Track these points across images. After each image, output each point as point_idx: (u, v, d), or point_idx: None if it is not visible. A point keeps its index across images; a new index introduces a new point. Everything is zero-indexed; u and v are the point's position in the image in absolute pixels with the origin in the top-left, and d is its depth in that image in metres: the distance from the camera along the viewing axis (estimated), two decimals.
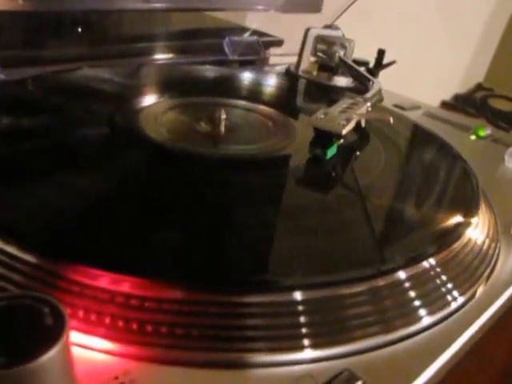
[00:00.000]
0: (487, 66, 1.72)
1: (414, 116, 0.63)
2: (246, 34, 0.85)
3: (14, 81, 0.51)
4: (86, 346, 0.24)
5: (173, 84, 0.58)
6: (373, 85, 0.54)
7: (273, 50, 0.88)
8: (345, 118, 0.42)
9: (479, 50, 1.63)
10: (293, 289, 0.27)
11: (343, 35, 0.70)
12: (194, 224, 0.33)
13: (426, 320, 0.29)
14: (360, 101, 0.48)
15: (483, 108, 1.54)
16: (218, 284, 0.26)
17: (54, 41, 0.68)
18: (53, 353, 0.20)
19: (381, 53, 0.65)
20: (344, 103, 0.46)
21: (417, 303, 0.30)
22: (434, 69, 1.41)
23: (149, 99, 0.51)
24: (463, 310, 0.31)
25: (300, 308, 0.27)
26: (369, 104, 0.47)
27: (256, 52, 0.82)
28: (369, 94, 0.50)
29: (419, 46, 1.31)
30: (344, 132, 0.41)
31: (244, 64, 0.80)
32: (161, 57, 0.73)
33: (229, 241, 0.32)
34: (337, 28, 0.75)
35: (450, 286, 0.32)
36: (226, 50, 0.79)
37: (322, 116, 0.42)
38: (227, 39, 0.80)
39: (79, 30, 0.76)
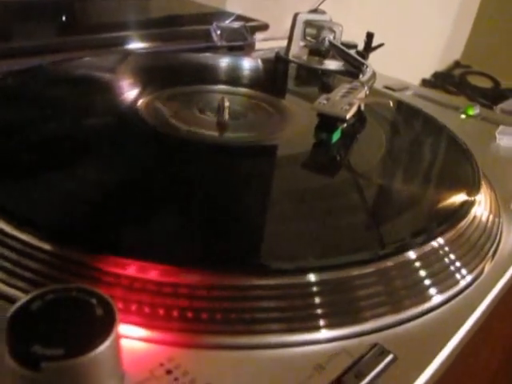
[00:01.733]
0: (464, 43, 1.74)
1: (403, 97, 0.64)
2: (230, 19, 0.85)
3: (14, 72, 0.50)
4: (128, 336, 0.24)
5: (169, 72, 0.58)
6: (367, 68, 0.54)
7: (258, 35, 0.88)
8: (347, 102, 0.43)
9: (456, 27, 1.65)
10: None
11: (331, 19, 0.71)
12: (211, 211, 0.33)
13: (437, 298, 0.30)
14: (358, 85, 0.48)
15: (462, 85, 1.57)
16: (257, 268, 0.27)
17: (37, 31, 0.67)
18: (108, 343, 0.20)
19: (370, 36, 0.66)
20: (343, 88, 0.47)
21: (427, 282, 0.31)
22: (413, 47, 1.42)
23: (146, 88, 0.51)
24: (473, 286, 0.32)
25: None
26: (366, 88, 0.48)
27: (243, 37, 0.82)
28: (365, 78, 0.51)
29: (397, 25, 1.32)
30: (348, 116, 0.42)
31: (231, 50, 0.80)
32: (146, 45, 0.72)
33: (246, 226, 0.32)
34: (323, 12, 0.75)
35: (458, 264, 0.33)
36: (213, 36, 0.79)
37: (325, 101, 0.43)
38: (214, 25, 0.80)
39: (63, 18, 0.76)
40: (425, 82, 1.62)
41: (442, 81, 1.63)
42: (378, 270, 0.30)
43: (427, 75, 1.65)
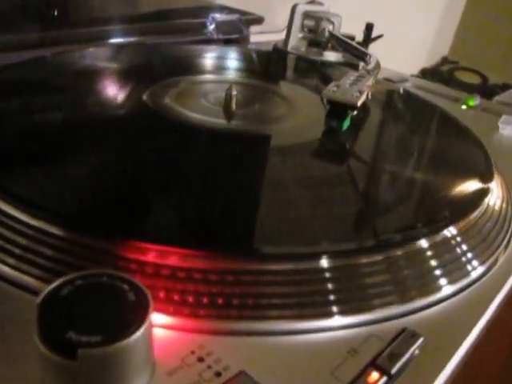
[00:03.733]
0: (451, 39, 1.75)
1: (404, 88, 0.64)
2: (226, 12, 0.84)
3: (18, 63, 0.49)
4: (156, 324, 0.24)
5: (173, 63, 0.58)
6: (370, 58, 0.54)
7: (253, 28, 0.87)
8: (357, 89, 0.43)
9: (443, 23, 1.66)
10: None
11: (329, 10, 0.70)
12: (225, 198, 0.33)
13: (449, 289, 0.30)
14: (365, 73, 0.48)
15: (450, 81, 1.57)
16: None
17: (30, 25, 0.66)
18: (144, 329, 0.20)
19: (369, 27, 0.66)
20: (351, 76, 0.47)
21: (438, 272, 0.30)
22: (400, 44, 1.42)
23: (152, 78, 0.50)
24: (485, 278, 0.32)
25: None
26: (373, 76, 0.48)
27: (239, 30, 0.82)
28: (370, 67, 0.51)
29: (383, 22, 1.32)
30: (359, 103, 0.41)
31: (227, 43, 0.79)
32: (141, 38, 0.71)
33: (261, 213, 0.32)
34: (320, 3, 0.75)
35: (470, 255, 0.33)
36: (210, 29, 0.79)
37: (335, 89, 0.42)
38: (210, 18, 0.79)
39: (55, 13, 0.74)
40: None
41: (430, 77, 1.64)
42: (385, 258, 0.29)
43: (415, 71, 1.66)
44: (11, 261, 0.26)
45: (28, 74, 0.48)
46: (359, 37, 0.74)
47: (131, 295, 0.21)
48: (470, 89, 1.49)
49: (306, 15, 0.69)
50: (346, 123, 0.42)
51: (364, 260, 0.28)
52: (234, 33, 0.81)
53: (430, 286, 0.29)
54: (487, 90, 1.52)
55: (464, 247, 0.32)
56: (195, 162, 0.36)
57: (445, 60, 1.71)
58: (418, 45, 1.61)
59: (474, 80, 1.58)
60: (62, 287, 0.21)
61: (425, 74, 1.65)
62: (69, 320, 0.20)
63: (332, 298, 0.27)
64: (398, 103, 0.52)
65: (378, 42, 0.98)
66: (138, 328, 0.19)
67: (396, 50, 1.39)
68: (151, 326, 0.21)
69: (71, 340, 0.19)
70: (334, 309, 0.26)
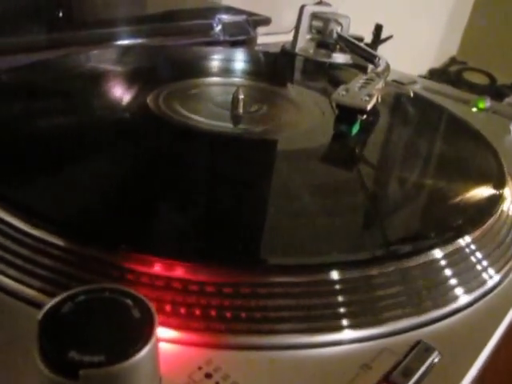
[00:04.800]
0: (459, 39, 1.73)
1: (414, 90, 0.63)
2: (232, 13, 0.83)
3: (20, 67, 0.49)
4: (163, 339, 0.23)
5: (179, 66, 0.57)
6: (380, 60, 0.53)
7: (260, 29, 0.86)
8: (366, 93, 0.42)
9: (451, 23, 1.65)
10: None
11: (337, 12, 0.70)
12: (232, 207, 0.32)
13: (465, 299, 0.29)
14: (374, 76, 0.47)
15: (459, 81, 1.56)
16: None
17: (35, 26, 0.65)
18: (149, 347, 0.19)
19: (379, 28, 0.65)
20: (360, 79, 0.46)
21: (453, 282, 0.29)
22: (408, 44, 1.41)
23: (156, 81, 0.50)
24: (501, 286, 0.31)
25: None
26: (382, 79, 0.47)
27: (246, 32, 0.81)
28: (380, 69, 0.50)
29: (391, 22, 1.31)
30: (369, 107, 0.40)
31: (234, 44, 0.78)
32: (147, 40, 0.71)
33: (269, 223, 0.31)
34: (329, 4, 0.74)
35: (485, 263, 0.32)
36: (217, 30, 0.78)
37: (344, 93, 0.42)
38: (216, 20, 0.79)
39: (60, 14, 0.74)
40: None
41: (437, 77, 1.63)
42: (398, 269, 0.28)
43: (423, 72, 1.65)
44: (12, 272, 0.26)
45: (31, 78, 0.47)
46: (368, 37, 0.73)
47: (135, 311, 0.20)
48: (478, 89, 1.48)
49: (314, 16, 0.68)
50: (356, 128, 0.41)
51: (376, 271, 0.27)
52: (241, 34, 0.80)
53: (445, 297, 0.28)
54: (496, 91, 1.51)
55: (479, 255, 0.32)
56: (201, 170, 0.35)
57: (453, 60, 1.70)
58: (426, 45, 1.60)
59: (483, 80, 1.57)
60: (63, 303, 0.20)
61: (433, 74, 1.64)
62: (70, 338, 0.19)
63: (343, 310, 0.26)
64: (408, 107, 0.51)
65: (386, 43, 0.97)
66: (142, 347, 0.19)
67: (404, 51, 1.38)
68: (157, 342, 0.20)
69: (73, 360, 0.18)
70: (345, 322, 0.26)
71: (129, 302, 0.20)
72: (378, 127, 0.46)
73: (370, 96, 0.42)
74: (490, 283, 0.30)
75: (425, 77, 1.60)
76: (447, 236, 0.30)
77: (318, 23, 0.67)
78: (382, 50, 0.94)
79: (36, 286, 0.25)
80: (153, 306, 0.20)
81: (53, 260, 0.26)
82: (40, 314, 0.20)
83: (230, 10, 0.83)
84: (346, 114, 0.41)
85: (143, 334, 0.19)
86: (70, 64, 0.52)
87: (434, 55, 1.66)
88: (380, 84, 0.46)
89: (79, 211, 0.28)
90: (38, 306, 0.24)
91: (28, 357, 0.18)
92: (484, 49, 1.62)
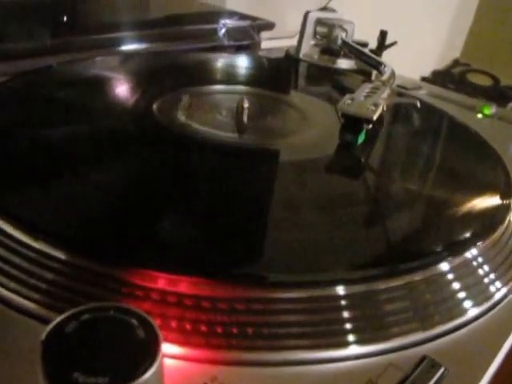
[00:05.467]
0: (463, 41, 1.73)
1: (418, 96, 0.63)
2: (236, 18, 0.83)
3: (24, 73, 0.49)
4: (168, 355, 0.23)
5: (183, 72, 0.57)
6: (385, 68, 0.53)
7: (263, 34, 0.86)
8: (372, 102, 0.42)
9: (454, 25, 1.64)
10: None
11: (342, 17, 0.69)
12: (237, 221, 0.31)
13: (472, 312, 0.29)
14: (379, 84, 0.47)
15: (462, 83, 1.56)
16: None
17: (39, 32, 0.65)
18: (154, 368, 0.19)
19: (383, 34, 0.65)
20: (366, 88, 0.45)
21: (460, 295, 0.29)
22: (412, 46, 1.41)
23: (160, 89, 0.50)
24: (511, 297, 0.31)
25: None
26: (388, 88, 0.47)
27: (250, 36, 0.80)
28: (385, 77, 0.49)
29: (395, 24, 1.30)
30: (375, 117, 0.40)
31: (238, 49, 0.78)
32: (150, 45, 0.70)
33: (270, 237, 0.31)
34: (333, 10, 0.74)
35: (493, 275, 0.31)
36: (221, 35, 0.77)
37: (350, 102, 0.41)
38: (221, 24, 0.78)
39: (65, 19, 0.74)
40: (424, 81, 1.61)
41: (441, 79, 1.62)
42: (407, 283, 0.28)
43: (426, 73, 1.64)
44: (13, 284, 0.25)
45: (32, 85, 0.47)
46: (372, 41, 0.73)
47: (140, 331, 0.20)
48: (481, 91, 1.47)
49: (319, 22, 0.68)
50: (361, 137, 0.41)
51: (382, 286, 0.27)
52: (245, 39, 0.80)
53: (452, 311, 0.28)
54: (499, 92, 1.50)
55: (486, 268, 0.31)
56: (206, 182, 0.35)
57: (456, 62, 1.69)
58: (430, 47, 1.59)
59: (486, 82, 1.57)
60: (66, 322, 0.20)
61: (436, 76, 1.64)
62: (74, 359, 0.19)
63: (349, 326, 0.26)
64: (413, 115, 0.51)
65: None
66: (147, 369, 0.18)
67: (408, 53, 1.37)
68: (162, 361, 0.20)
69: (77, 382, 0.18)
70: (351, 338, 0.25)
71: (134, 321, 0.20)
72: (383, 136, 0.46)
73: (376, 105, 0.41)
74: (498, 296, 0.30)
75: (428, 79, 1.60)
76: (454, 249, 0.30)
77: (322, 29, 0.67)
78: (386, 52, 0.93)
79: (37, 299, 0.25)
80: (157, 326, 0.20)
81: (54, 273, 0.25)
82: (43, 334, 0.20)
83: (233, 14, 0.83)
84: (352, 123, 0.40)
85: (148, 355, 0.19)
86: (74, 71, 0.52)
87: (438, 57, 1.66)
88: (386, 92, 0.45)
89: (81, 224, 0.28)
90: (39, 319, 0.24)
91: (28, 370, 0.18)
92: (487, 50, 1.61)
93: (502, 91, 1.54)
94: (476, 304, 0.29)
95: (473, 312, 0.29)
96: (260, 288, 0.25)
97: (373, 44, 0.74)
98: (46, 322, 0.23)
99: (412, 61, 1.44)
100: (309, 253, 0.28)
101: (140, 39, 0.69)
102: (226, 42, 0.77)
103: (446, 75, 1.63)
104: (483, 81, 1.56)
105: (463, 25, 1.70)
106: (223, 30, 0.77)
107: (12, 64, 0.54)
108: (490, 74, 1.57)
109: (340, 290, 0.26)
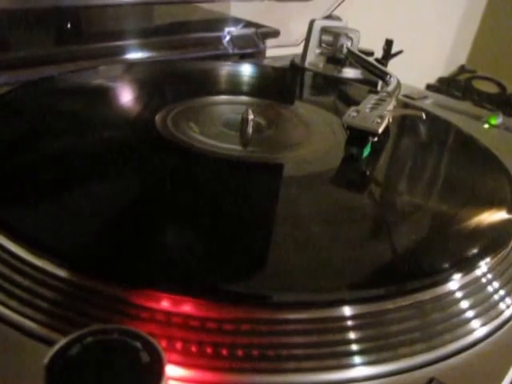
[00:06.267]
0: (469, 47, 1.72)
1: (424, 106, 0.63)
2: (241, 26, 0.82)
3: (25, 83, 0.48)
4: (173, 377, 0.22)
5: (188, 82, 0.57)
6: (391, 78, 0.53)
7: (268, 42, 0.86)
8: (377, 115, 0.41)
9: (460, 32, 1.64)
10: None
11: (347, 26, 0.69)
12: (238, 239, 0.31)
13: (482, 331, 0.28)
14: (385, 95, 0.47)
15: (468, 90, 1.55)
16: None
17: (42, 40, 0.65)
18: None
19: (389, 43, 0.64)
20: (371, 99, 0.45)
21: (469, 314, 0.29)
22: (417, 52, 1.40)
23: (163, 100, 0.49)
24: None
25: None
26: (394, 99, 0.47)
27: (255, 44, 0.80)
28: (391, 88, 0.49)
29: (400, 30, 1.30)
30: (380, 130, 0.40)
31: (242, 57, 0.78)
32: (154, 54, 0.70)
33: (278, 256, 0.30)
34: (338, 18, 0.73)
35: (503, 292, 0.31)
36: (225, 43, 0.77)
37: (355, 114, 0.41)
38: (225, 32, 0.78)
39: (67, 27, 0.73)
40: (429, 88, 1.60)
41: (447, 86, 1.62)
42: (415, 303, 0.28)
43: (432, 80, 1.64)
44: (13, 303, 0.25)
45: (34, 96, 0.47)
46: (377, 47, 0.72)
47: (144, 355, 0.20)
48: (487, 98, 1.47)
49: (324, 30, 0.68)
50: (367, 150, 0.41)
51: (389, 306, 0.26)
52: (250, 47, 0.79)
53: (460, 330, 0.28)
54: (505, 99, 1.50)
55: (496, 284, 0.31)
56: (209, 199, 0.34)
57: (462, 69, 1.69)
58: (436, 54, 1.59)
59: (492, 89, 1.56)
60: (70, 345, 0.20)
61: (442, 83, 1.63)
62: (78, 383, 0.18)
63: (355, 347, 0.25)
64: (419, 126, 0.50)
65: (393, 52, 0.96)
66: None
67: (414, 59, 1.37)
68: None
69: None
70: (358, 359, 0.25)
71: (138, 344, 0.20)
72: (389, 149, 0.45)
73: (382, 118, 0.41)
74: (508, 313, 0.30)
75: (434, 86, 1.59)
76: (463, 266, 0.30)
77: (327, 37, 0.67)
78: (392, 60, 0.93)
79: (38, 318, 0.25)
80: (162, 349, 0.20)
81: (56, 293, 0.25)
82: (47, 357, 0.19)
83: (238, 21, 0.83)
84: (357, 136, 0.40)
85: (152, 378, 0.19)
86: (75, 81, 0.52)
87: (444, 63, 1.65)
88: (391, 104, 0.45)
89: (84, 242, 0.28)
90: (40, 338, 0.24)
91: None
92: (493, 57, 1.61)
93: (509, 98, 1.53)
94: (486, 322, 0.29)
95: (482, 331, 0.28)
96: (265, 309, 0.25)
97: (378, 51, 0.73)
98: (46, 342, 0.23)
99: (418, 67, 1.44)
100: (315, 272, 0.28)
101: (144, 47, 0.69)
102: (230, 50, 0.76)
103: (452, 82, 1.63)
104: (489, 88, 1.56)
105: (469, 31, 1.70)
106: (228, 38, 0.77)
107: (14, 73, 0.54)
108: (496, 81, 1.56)
109: (346, 310, 0.26)
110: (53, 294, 0.25)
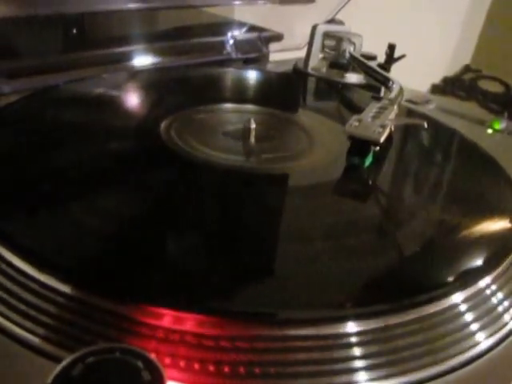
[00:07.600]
0: (474, 47, 1.72)
1: (427, 111, 0.62)
2: (244, 30, 0.82)
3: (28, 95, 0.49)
4: None
5: (192, 90, 0.57)
6: (393, 85, 0.53)
7: (271, 46, 0.86)
8: (379, 124, 0.41)
9: (465, 31, 1.63)
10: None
11: (350, 30, 0.69)
12: (242, 253, 0.31)
13: (487, 342, 0.28)
14: (387, 103, 0.47)
15: (473, 90, 1.55)
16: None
17: (46, 48, 0.65)
18: None
19: (392, 47, 0.64)
20: (373, 107, 0.45)
21: (474, 326, 0.29)
22: (422, 52, 1.40)
23: (168, 108, 0.50)
24: None
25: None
26: (396, 106, 0.47)
27: (258, 49, 0.80)
28: (393, 95, 0.49)
29: (404, 30, 1.30)
30: (382, 139, 0.40)
31: (246, 62, 0.78)
32: (157, 59, 0.70)
33: (280, 272, 0.30)
34: (341, 22, 0.73)
35: (507, 303, 0.31)
36: (229, 48, 0.77)
37: (357, 123, 0.41)
38: (228, 36, 0.78)
39: (71, 34, 0.74)
40: (434, 88, 1.60)
41: (451, 86, 1.61)
42: (419, 317, 0.28)
43: (437, 80, 1.63)
44: (15, 317, 0.25)
45: (38, 107, 0.47)
46: (380, 50, 0.72)
47: (146, 374, 0.20)
48: (492, 98, 1.46)
49: (327, 35, 0.68)
50: (369, 160, 0.41)
51: (394, 321, 0.27)
52: (254, 51, 0.79)
53: (465, 342, 0.28)
54: (510, 99, 1.49)
55: (500, 295, 0.31)
56: (211, 213, 0.35)
57: (467, 68, 1.68)
58: (440, 53, 1.58)
59: (498, 89, 1.56)
60: (73, 366, 0.20)
61: (447, 83, 1.63)
62: None
63: (361, 363, 0.25)
64: (422, 133, 0.50)
65: (397, 52, 0.95)
66: None
67: (418, 60, 1.36)
68: None
69: None
70: (362, 376, 0.25)
71: (139, 363, 0.20)
72: (391, 158, 0.45)
73: (384, 127, 0.41)
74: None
75: (439, 86, 1.59)
76: (467, 279, 0.30)
77: (330, 42, 0.67)
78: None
79: (40, 333, 0.25)
80: (163, 368, 0.20)
81: (58, 308, 0.25)
82: (50, 378, 0.20)
83: (242, 25, 0.82)
84: (359, 145, 0.40)
85: None
86: (79, 90, 0.52)
87: (448, 63, 1.65)
88: (393, 112, 0.45)
89: (88, 256, 0.28)
90: (42, 353, 0.24)
91: None
92: (498, 56, 1.60)
93: None
94: (490, 334, 0.29)
95: (487, 342, 0.28)
96: (268, 326, 0.25)
97: (382, 54, 0.73)
98: (48, 356, 0.23)
99: (422, 68, 1.43)
100: (318, 287, 0.28)
101: (148, 53, 0.69)
102: (234, 55, 0.76)
103: (457, 82, 1.62)
104: (494, 87, 1.55)
105: (474, 31, 1.69)
106: (231, 42, 0.77)
107: (19, 81, 0.54)
108: (501, 81, 1.56)
109: (351, 327, 0.26)
110: (54, 309, 0.26)
